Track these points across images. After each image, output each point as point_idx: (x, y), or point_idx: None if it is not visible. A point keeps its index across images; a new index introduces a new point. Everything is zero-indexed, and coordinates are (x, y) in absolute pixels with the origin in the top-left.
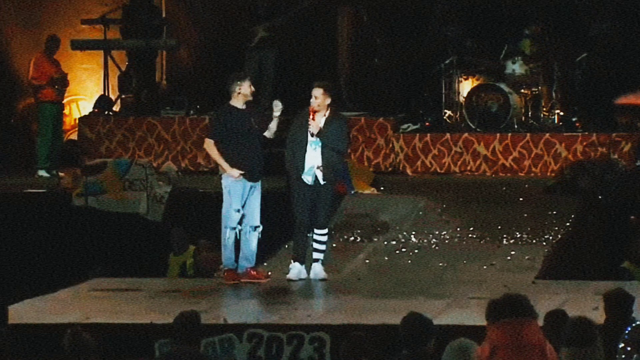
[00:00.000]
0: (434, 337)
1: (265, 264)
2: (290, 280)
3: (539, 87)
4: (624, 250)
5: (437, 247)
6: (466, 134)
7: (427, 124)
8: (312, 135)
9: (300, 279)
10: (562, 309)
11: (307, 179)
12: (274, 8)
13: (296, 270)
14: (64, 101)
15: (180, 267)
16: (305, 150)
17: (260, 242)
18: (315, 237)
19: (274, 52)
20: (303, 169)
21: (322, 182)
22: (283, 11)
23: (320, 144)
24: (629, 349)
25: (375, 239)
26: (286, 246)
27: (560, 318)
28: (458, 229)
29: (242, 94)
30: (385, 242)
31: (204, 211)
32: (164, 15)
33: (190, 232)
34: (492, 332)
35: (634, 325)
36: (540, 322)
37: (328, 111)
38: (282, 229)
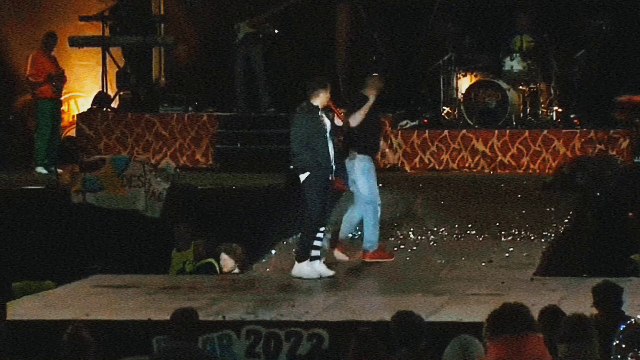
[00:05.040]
0: (426, 334)
1: (263, 260)
2: (329, 276)
3: (537, 84)
4: (634, 242)
5: (435, 244)
6: (464, 131)
7: (425, 120)
8: (335, 129)
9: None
10: (555, 305)
11: (331, 176)
12: (258, 4)
13: (323, 267)
14: (62, 98)
15: (183, 264)
16: (328, 148)
17: (258, 239)
18: (319, 234)
19: (260, 47)
20: (331, 167)
21: (332, 177)
22: (266, 7)
23: (331, 138)
24: (623, 346)
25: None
26: (285, 243)
27: (555, 314)
28: (456, 226)
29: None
30: (383, 239)
31: (202, 208)
32: (161, 12)
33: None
34: (491, 349)
35: (628, 322)
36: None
37: None
38: (281, 226)
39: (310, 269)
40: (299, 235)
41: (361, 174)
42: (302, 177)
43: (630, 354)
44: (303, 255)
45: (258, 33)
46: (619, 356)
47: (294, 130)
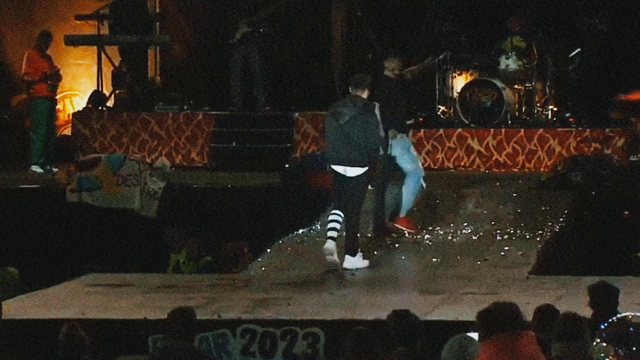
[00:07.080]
0: (422, 333)
1: (259, 259)
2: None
3: (533, 83)
4: (631, 241)
5: (430, 243)
6: (460, 130)
7: (420, 119)
8: None
9: None
10: (551, 304)
11: None
12: (255, 3)
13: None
14: (57, 97)
15: (176, 262)
16: None
17: (256, 238)
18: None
19: (258, 47)
20: None
21: None
22: (264, 6)
23: None
24: (604, 345)
25: (369, 235)
26: (281, 242)
27: (550, 313)
28: (452, 225)
29: None
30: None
31: (198, 207)
32: (158, 10)
33: (185, 228)
34: (485, 349)
35: (609, 321)
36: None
37: None
38: (278, 225)
39: (363, 260)
40: (347, 230)
41: (406, 150)
42: (361, 170)
43: (611, 352)
44: (356, 248)
45: (255, 32)
46: (602, 355)
47: (373, 124)
